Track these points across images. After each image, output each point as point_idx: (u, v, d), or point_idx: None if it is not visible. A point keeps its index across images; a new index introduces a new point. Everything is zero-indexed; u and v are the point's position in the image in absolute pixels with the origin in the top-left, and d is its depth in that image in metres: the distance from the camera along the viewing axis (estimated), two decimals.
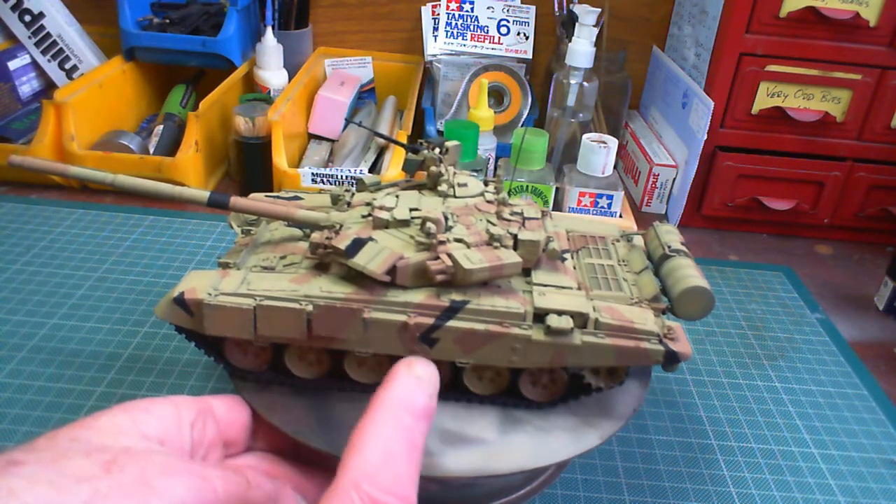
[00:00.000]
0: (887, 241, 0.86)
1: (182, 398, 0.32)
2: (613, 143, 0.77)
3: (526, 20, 0.99)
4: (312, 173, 0.77)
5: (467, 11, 0.98)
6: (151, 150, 0.85)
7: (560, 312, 0.38)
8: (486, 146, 0.84)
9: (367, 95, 1.03)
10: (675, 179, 0.87)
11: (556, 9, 0.97)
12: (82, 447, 0.26)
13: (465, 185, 0.44)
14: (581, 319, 0.38)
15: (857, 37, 0.76)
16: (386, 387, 0.29)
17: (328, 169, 0.78)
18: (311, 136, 0.92)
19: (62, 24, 0.92)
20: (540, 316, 0.38)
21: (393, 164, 0.79)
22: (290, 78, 0.96)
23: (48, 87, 0.96)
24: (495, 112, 0.90)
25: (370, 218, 0.40)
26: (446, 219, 0.40)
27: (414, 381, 0.29)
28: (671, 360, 0.38)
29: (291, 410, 0.39)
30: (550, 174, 0.78)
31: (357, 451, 0.26)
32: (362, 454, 0.26)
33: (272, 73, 0.95)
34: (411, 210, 0.40)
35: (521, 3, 1.00)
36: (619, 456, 0.50)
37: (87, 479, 0.25)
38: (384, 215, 0.39)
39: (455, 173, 0.45)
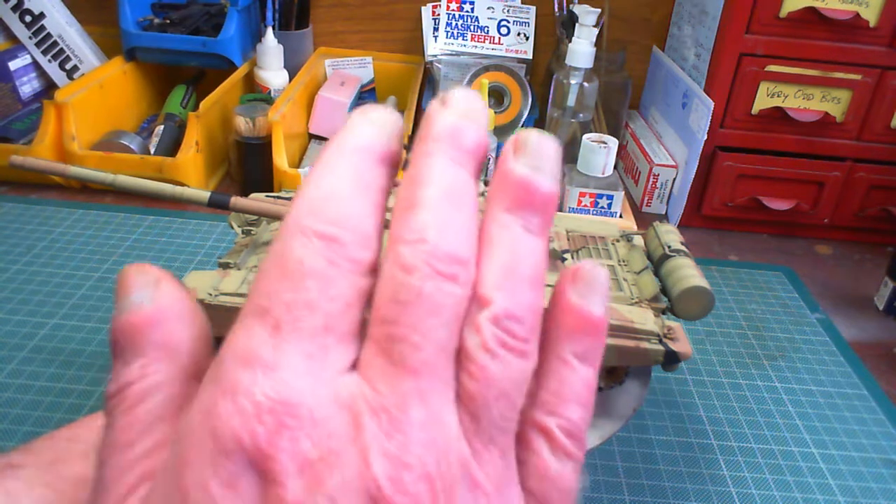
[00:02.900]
0: (887, 241, 0.86)
1: None
2: (613, 143, 0.77)
3: (526, 20, 0.99)
4: None
5: (467, 12, 0.98)
6: (152, 151, 0.85)
7: None
8: None
9: (367, 96, 1.03)
10: (675, 179, 0.87)
11: (556, 9, 0.97)
12: (80, 448, 0.26)
13: None
14: None
15: (857, 37, 0.76)
16: (336, 134, 0.23)
17: None
18: (312, 137, 0.92)
19: (63, 25, 0.92)
20: None
21: None
22: (291, 78, 0.96)
23: (49, 88, 0.96)
24: (495, 112, 0.90)
25: None
26: None
27: (367, 123, 0.23)
28: (671, 359, 0.38)
29: None
30: None
31: (299, 196, 0.22)
32: (304, 195, 0.22)
33: (272, 74, 0.95)
34: None
35: (521, 3, 1.00)
36: (619, 456, 0.50)
37: (86, 481, 0.25)
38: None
39: None
